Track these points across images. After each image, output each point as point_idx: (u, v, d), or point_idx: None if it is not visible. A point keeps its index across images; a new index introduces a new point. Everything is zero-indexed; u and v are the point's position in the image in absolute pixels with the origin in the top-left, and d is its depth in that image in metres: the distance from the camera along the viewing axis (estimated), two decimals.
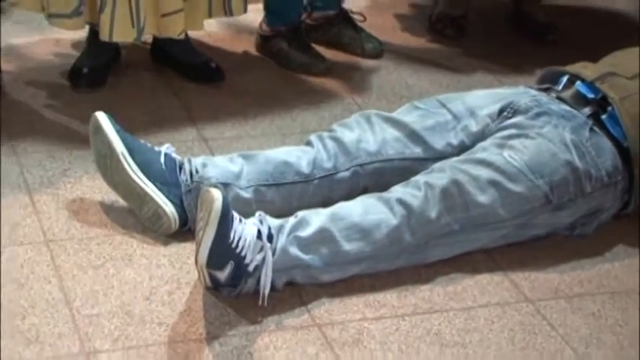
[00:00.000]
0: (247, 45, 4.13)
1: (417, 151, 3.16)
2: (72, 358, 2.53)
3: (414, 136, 3.17)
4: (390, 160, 3.15)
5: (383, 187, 3.04)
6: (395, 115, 3.24)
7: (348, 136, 3.15)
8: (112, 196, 3.10)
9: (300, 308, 2.78)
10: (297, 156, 3.12)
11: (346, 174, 3.12)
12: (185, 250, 2.92)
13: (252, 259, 2.70)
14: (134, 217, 3.05)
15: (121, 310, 2.71)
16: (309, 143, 3.18)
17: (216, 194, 2.65)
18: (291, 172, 3.08)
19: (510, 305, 2.87)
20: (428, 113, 3.23)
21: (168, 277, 2.86)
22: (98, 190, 3.14)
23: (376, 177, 3.13)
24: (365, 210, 2.89)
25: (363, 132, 3.17)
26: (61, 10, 3.56)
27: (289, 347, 2.64)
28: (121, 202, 3.08)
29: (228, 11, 3.77)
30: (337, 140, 3.14)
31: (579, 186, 3.06)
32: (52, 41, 3.97)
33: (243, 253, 2.68)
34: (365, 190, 3.08)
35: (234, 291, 2.74)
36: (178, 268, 2.89)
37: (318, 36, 4.17)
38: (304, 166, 3.09)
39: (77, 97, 3.71)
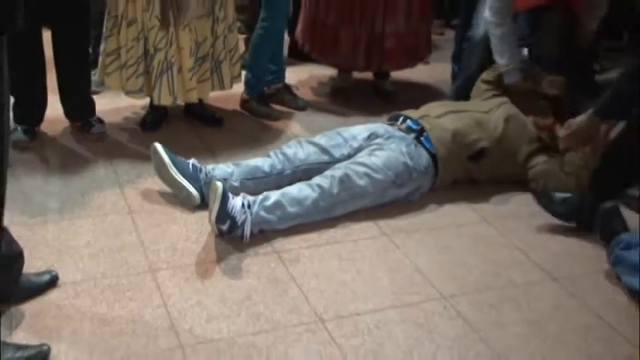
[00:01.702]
0: (235, 104, 4.08)
1: (326, 158, 3.16)
2: (144, 274, 2.56)
3: (324, 150, 3.18)
4: (312, 164, 3.14)
5: (308, 177, 3.04)
6: (314, 139, 3.23)
7: (289, 151, 3.16)
8: (164, 187, 3.07)
9: (266, 243, 2.79)
10: (262, 162, 3.12)
11: (289, 172, 3.12)
12: (204, 215, 2.88)
13: (239, 218, 2.73)
14: (176, 198, 3.03)
15: (170, 247, 2.73)
16: (268, 156, 3.17)
17: (219, 184, 2.70)
18: (259, 171, 3.09)
19: (376, 238, 2.89)
20: (331, 138, 3.24)
21: (195, 229, 2.86)
22: (157, 184, 3.11)
23: (305, 173, 3.11)
24: (299, 190, 2.92)
25: (297, 149, 3.17)
26: (133, 89, 3.53)
27: (261, 264, 2.67)
28: (169, 190, 3.05)
29: (221, 86, 3.73)
30: (284, 154, 3.15)
31: (410, 175, 3.10)
32: (133, 106, 3.91)
33: (234, 215, 2.72)
34: (299, 180, 3.05)
35: (230, 236, 2.76)
36: (201, 224, 2.88)
37: (272, 99, 4.12)
38: (266, 168, 3.10)
39: (144, 135, 3.66)
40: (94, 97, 3.70)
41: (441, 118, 3.31)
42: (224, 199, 2.70)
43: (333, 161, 3.15)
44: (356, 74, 4.47)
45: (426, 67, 4.62)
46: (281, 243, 2.80)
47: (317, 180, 2.98)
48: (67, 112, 3.59)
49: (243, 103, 4.06)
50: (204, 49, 3.56)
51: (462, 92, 3.86)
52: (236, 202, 2.76)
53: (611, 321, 2.46)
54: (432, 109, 3.41)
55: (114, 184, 3.17)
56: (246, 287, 2.52)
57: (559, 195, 3.04)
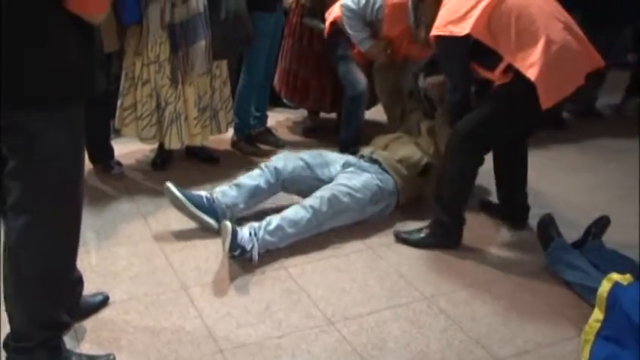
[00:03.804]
0: (227, 145, 4.10)
1: (309, 173, 3.19)
2: (178, 291, 2.59)
3: (308, 166, 3.21)
4: (297, 176, 3.18)
5: (294, 187, 3.17)
6: (300, 155, 3.29)
7: (278, 165, 3.18)
8: (180, 216, 3.05)
9: (275, 261, 2.82)
10: (259, 180, 3.12)
11: (279, 182, 3.16)
12: (218, 238, 2.87)
13: (247, 246, 2.73)
14: (192, 224, 3.03)
15: (195, 268, 2.75)
16: (260, 169, 3.18)
17: (228, 223, 2.74)
18: (258, 190, 3.12)
19: (363, 251, 2.94)
20: (314, 157, 3.28)
21: (213, 250, 2.87)
22: (173, 214, 3.09)
23: (292, 183, 3.18)
24: (295, 213, 2.93)
25: (285, 162, 3.19)
26: (147, 137, 3.54)
27: (274, 278, 2.70)
28: (186, 218, 3.03)
29: (218, 131, 3.76)
30: (274, 168, 3.16)
31: (382, 194, 3.16)
32: (143, 150, 3.91)
33: (243, 244, 2.72)
34: (287, 190, 3.16)
35: (242, 258, 2.76)
36: (217, 246, 2.87)
37: (258, 139, 4.14)
38: (263, 185, 3.12)
39: (156, 173, 3.68)
40: (111, 141, 3.70)
41: (387, 149, 3.38)
42: (234, 234, 2.71)
43: (315, 178, 3.19)
44: (322, 115, 4.55)
45: (378, 108, 4.68)
46: (287, 260, 2.82)
47: (309, 201, 2.99)
48: (91, 157, 3.57)
49: (234, 143, 4.08)
50: (205, 101, 3.59)
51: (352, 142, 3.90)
52: (244, 233, 2.76)
53: (558, 309, 2.58)
54: (377, 142, 3.48)
55: (137, 216, 3.17)
56: (264, 299, 2.55)
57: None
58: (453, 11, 2.76)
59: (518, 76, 2.68)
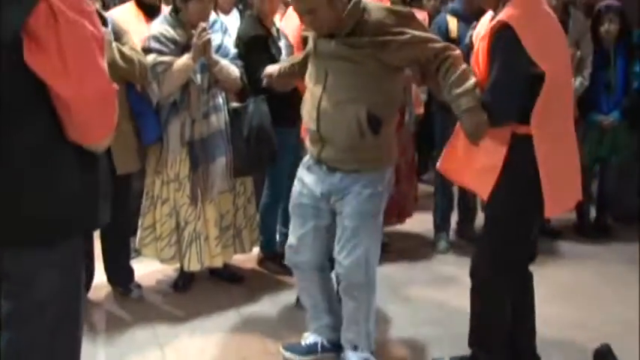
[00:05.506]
0: (254, 263, 3.92)
1: None
2: None
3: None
4: None
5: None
6: None
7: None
8: (202, 346, 2.85)
9: None
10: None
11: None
12: None
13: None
14: (212, 357, 2.82)
15: None
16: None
17: None
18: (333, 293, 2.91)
19: None
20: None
21: None
22: (195, 343, 2.91)
23: None
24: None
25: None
26: (166, 257, 3.41)
27: None
28: (206, 348, 2.82)
29: (242, 250, 3.60)
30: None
31: (374, 201, 2.56)
32: (165, 269, 3.74)
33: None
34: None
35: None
36: None
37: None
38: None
39: (176, 296, 3.52)
40: (132, 261, 3.57)
41: (324, 141, 2.55)
42: None
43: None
44: None
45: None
46: None
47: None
48: (110, 279, 3.46)
49: (260, 262, 3.92)
50: (227, 220, 3.46)
51: None
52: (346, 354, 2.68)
53: None
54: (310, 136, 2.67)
55: (154, 346, 2.98)
56: None
57: None
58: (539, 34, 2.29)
59: (520, 162, 2.32)
